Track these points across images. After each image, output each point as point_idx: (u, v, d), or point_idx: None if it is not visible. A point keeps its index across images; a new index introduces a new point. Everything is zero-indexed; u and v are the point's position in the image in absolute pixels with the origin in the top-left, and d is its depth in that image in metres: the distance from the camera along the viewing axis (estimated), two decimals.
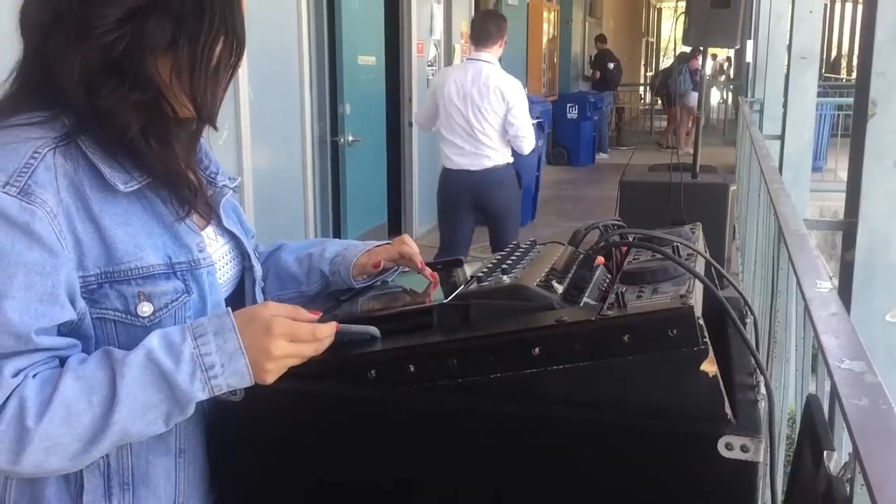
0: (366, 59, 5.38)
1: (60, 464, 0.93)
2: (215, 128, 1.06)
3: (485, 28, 4.12)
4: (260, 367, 0.97)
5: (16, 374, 0.92)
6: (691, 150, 5.09)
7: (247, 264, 1.20)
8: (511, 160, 4.16)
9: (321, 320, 1.06)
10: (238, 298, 1.19)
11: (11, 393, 0.91)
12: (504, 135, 4.03)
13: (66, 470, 0.96)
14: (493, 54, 4.10)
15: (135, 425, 0.94)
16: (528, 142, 4.06)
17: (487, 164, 4.05)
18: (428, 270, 1.33)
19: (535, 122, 4.73)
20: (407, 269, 1.41)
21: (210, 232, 1.14)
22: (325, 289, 1.34)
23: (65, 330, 0.98)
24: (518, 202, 4.37)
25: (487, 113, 3.96)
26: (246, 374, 0.97)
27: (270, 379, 0.99)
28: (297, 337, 1.00)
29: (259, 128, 4.18)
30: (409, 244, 1.35)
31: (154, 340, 0.96)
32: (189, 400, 0.96)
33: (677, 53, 12.43)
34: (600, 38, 13.29)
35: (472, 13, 7.92)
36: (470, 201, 4.13)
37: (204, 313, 1.06)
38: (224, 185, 1.17)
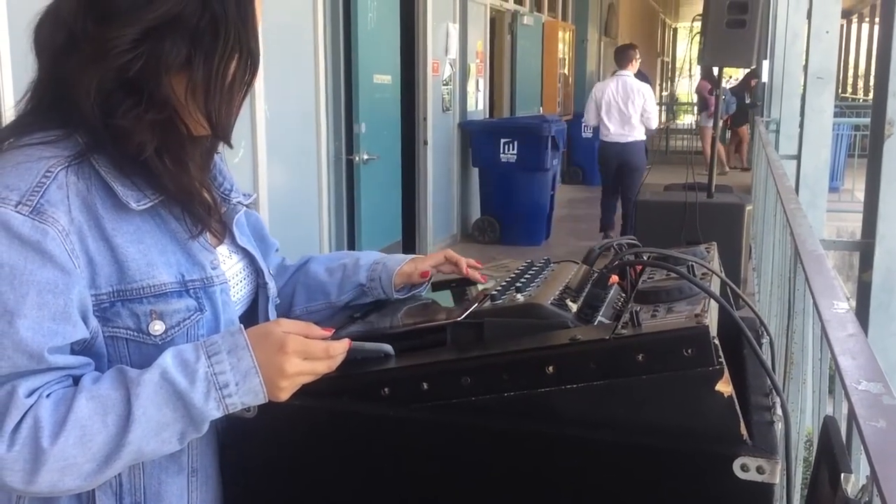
0: (381, 77, 5.42)
1: (75, 483, 0.93)
2: (230, 145, 1.07)
3: (625, 56, 7.10)
4: (274, 385, 0.97)
5: (30, 394, 0.92)
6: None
7: (261, 282, 1.19)
8: (644, 138, 7.09)
9: (334, 337, 1.06)
10: (251, 316, 1.18)
11: (26, 413, 0.91)
12: (640, 119, 6.90)
13: (80, 489, 0.96)
14: (630, 70, 7.02)
15: (149, 444, 0.94)
16: (654, 121, 7.10)
17: (629, 138, 6.92)
18: (476, 274, 1.35)
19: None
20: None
21: (224, 250, 1.13)
22: (358, 298, 1.34)
23: (77, 348, 0.97)
24: (643, 166, 7.06)
25: (633, 104, 6.86)
26: (260, 392, 0.97)
27: (284, 396, 0.99)
28: (310, 354, 1.00)
29: (275, 146, 4.21)
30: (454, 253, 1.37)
31: (168, 359, 0.95)
32: (204, 419, 0.96)
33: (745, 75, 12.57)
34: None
35: (487, 32, 7.97)
36: (616, 161, 6.99)
37: (217, 331, 1.05)
38: (238, 202, 1.17)
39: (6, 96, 2.57)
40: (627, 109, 6.84)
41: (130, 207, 0.99)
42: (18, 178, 0.94)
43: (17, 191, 0.93)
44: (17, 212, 0.91)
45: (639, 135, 6.92)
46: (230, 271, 1.12)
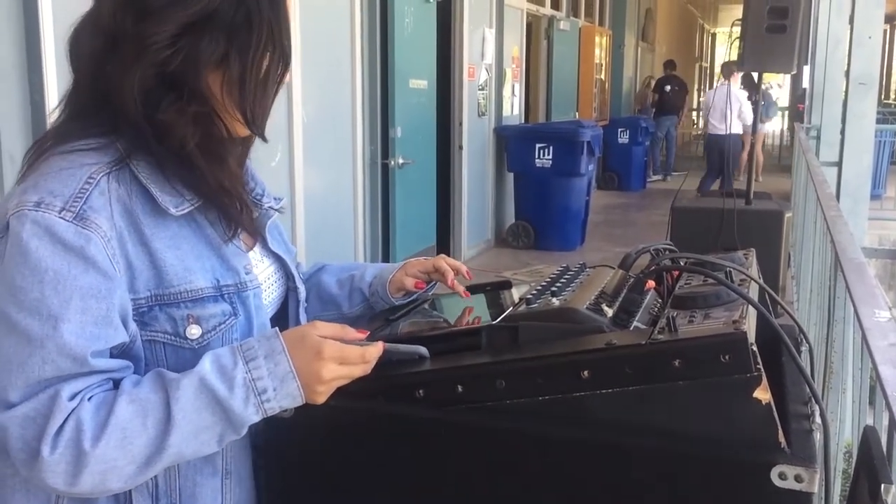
0: (417, 82, 5.44)
1: (116, 485, 0.94)
2: (265, 139, 1.08)
3: (727, 70, 9.29)
4: (311, 390, 0.98)
5: (72, 398, 0.93)
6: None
7: (291, 285, 1.21)
8: (740, 132, 9.67)
9: (369, 339, 1.06)
10: (281, 318, 1.20)
11: (68, 416, 0.92)
12: (737, 117, 9.13)
13: (121, 490, 0.97)
14: (733, 82, 9.31)
15: (189, 447, 0.95)
16: (748, 118, 9.04)
17: (728, 131, 8.85)
18: (460, 288, 1.33)
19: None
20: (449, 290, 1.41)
21: (256, 254, 1.15)
22: (367, 311, 1.35)
23: (116, 352, 0.99)
24: (738, 151, 10.18)
25: (731, 107, 8.66)
26: (298, 395, 0.98)
27: (321, 400, 0.99)
28: (346, 359, 1.00)
29: (311, 150, 4.24)
30: (447, 260, 1.36)
31: (206, 365, 0.96)
32: (243, 423, 0.97)
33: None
34: (668, 64, 13.26)
35: (524, 37, 7.97)
36: (717, 148, 9.49)
37: (250, 335, 1.06)
38: (270, 207, 1.19)
39: (51, 102, 2.63)
40: (726, 111, 8.97)
41: (169, 213, 1.00)
42: (62, 185, 0.95)
43: (61, 197, 0.94)
44: (61, 218, 0.93)
45: (735, 129, 9.36)
46: (262, 275, 1.14)
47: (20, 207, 0.94)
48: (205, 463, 1.04)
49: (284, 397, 0.97)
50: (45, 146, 1.02)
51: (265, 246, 1.17)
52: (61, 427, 0.91)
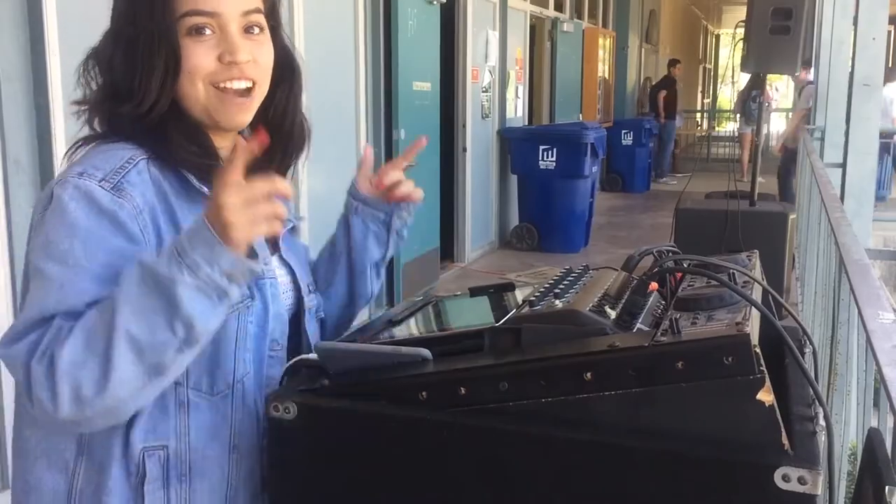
0: (421, 84, 5.45)
1: (89, 391, 0.95)
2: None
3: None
4: (224, 229, 0.96)
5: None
6: None
7: (300, 296, 1.27)
8: None
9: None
10: (296, 326, 1.25)
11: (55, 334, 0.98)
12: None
13: (103, 406, 0.97)
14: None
15: (138, 326, 0.95)
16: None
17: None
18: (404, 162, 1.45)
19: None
20: (459, 293, 1.42)
21: (274, 260, 1.23)
22: (348, 234, 1.41)
23: None
24: None
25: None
26: (211, 237, 0.96)
27: (241, 235, 0.97)
28: (247, 189, 0.98)
29: (315, 152, 4.23)
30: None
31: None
32: (173, 283, 0.95)
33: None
34: (670, 63, 13.29)
35: (527, 39, 7.97)
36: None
37: (266, 321, 1.15)
38: (287, 219, 1.22)
39: (55, 106, 2.63)
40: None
41: (203, 192, 1.11)
42: (104, 161, 1.08)
43: (102, 170, 1.06)
44: (100, 186, 1.05)
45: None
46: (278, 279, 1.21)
47: (65, 177, 1.06)
48: (213, 437, 1.12)
49: (199, 244, 0.96)
50: (87, 142, 1.14)
51: (280, 256, 1.26)
52: (48, 341, 0.98)
